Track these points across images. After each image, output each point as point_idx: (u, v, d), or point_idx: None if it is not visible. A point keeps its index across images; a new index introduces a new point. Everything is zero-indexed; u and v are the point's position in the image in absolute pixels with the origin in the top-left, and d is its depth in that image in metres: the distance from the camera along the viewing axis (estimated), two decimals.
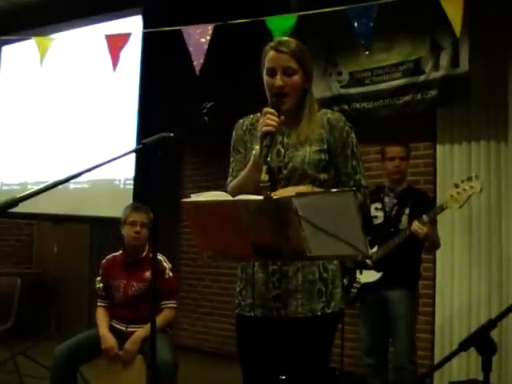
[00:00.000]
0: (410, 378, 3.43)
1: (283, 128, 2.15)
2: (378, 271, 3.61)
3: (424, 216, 3.41)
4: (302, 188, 2.03)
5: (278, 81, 2.09)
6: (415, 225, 3.39)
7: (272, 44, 2.14)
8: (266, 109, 2.04)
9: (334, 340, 2.20)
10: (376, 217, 3.71)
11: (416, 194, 3.71)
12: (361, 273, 3.69)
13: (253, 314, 2.13)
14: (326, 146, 2.13)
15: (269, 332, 2.10)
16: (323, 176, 2.13)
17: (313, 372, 2.07)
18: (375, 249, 3.63)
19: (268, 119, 2.00)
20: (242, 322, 2.19)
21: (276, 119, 2.00)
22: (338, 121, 2.15)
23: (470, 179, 3.39)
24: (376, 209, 3.71)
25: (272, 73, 2.11)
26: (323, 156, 2.12)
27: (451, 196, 3.38)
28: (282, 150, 2.15)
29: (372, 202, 3.75)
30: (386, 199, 3.72)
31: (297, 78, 2.11)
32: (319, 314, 2.07)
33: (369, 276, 3.64)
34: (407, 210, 3.60)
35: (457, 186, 3.40)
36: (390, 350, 3.70)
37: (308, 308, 2.07)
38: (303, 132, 2.13)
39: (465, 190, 3.35)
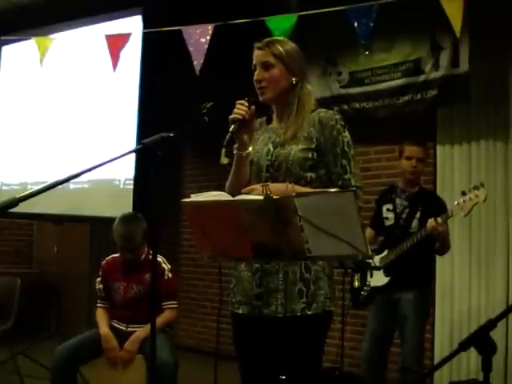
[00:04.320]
0: (414, 380, 3.39)
1: (278, 128, 2.21)
2: (386, 275, 3.57)
3: (438, 218, 3.32)
4: (280, 185, 1.97)
5: (255, 75, 2.18)
6: (432, 222, 3.31)
7: (256, 43, 2.23)
8: (237, 100, 2.11)
9: (321, 342, 2.15)
10: (387, 218, 3.66)
11: (428, 198, 3.65)
12: (371, 276, 3.67)
13: (240, 312, 2.18)
14: (314, 145, 2.12)
15: (253, 330, 2.14)
16: (309, 175, 2.12)
17: (294, 373, 1.98)
18: (385, 253, 3.60)
19: (236, 108, 2.08)
20: (232, 318, 2.24)
21: (245, 108, 2.07)
22: (330, 119, 2.14)
23: (476, 188, 3.32)
24: (388, 210, 3.67)
25: (255, 69, 2.20)
26: (310, 154, 2.12)
27: (457, 204, 3.33)
28: (271, 149, 2.18)
29: (384, 202, 3.72)
30: (398, 201, 3.66)
31: (275, 71, 2.16)
32: (299, 314, 2.06)
33: (378, 280, 3.62)
34: (418, 214, 3.54)
35: (464, 194, 3.33)
36: (395, 350, 3.71)
37: (288, 308, 2.05)
38: (290, 128, 2.16)
39: (470, 198, 3.29)
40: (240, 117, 2.06)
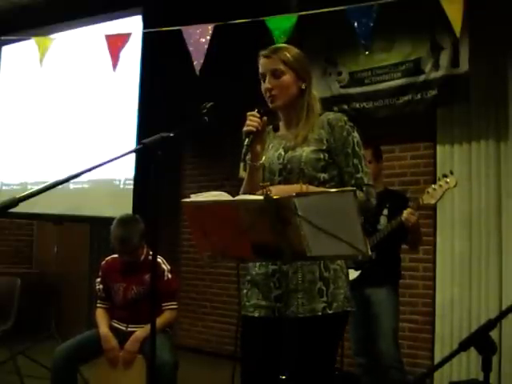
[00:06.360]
0: (398, 377, 3.41)
1: (288, 134, 2.23)
2: (356, 269, 3.58)
3: (411, 204, 3.40)
4: (295, 186, 2.04)
5: (266, 84, 2.18)
6: (406, 212, 3.37)
7: (262, 52, 2.22)
8: (249, 112, 2.11)
9: (337, 342, 2.16)
10: None
11: (393, 196, 3.70)
12: None
13: (256, 315, 2.14)
14: (325, 146, 2.15)
15: (272, 332, 2.11)
16: (322, 176, 2.14)
17: (313, 373, 2.03)
18: None
19: (249, 120, 2.08)
20: (246, 322, 2.20)
21: (257, 120, 2.08)
22: (338, 120, 2.17)
23: (445, 176, 3.41)
24: None
25: (263, 78, 2.20)
26: (322, 155, 2.14)
27: (427, 192, 3.39)
28: (282, 153, 2.20)
29: None
30: None
31: (286, 78, 2.17)
32: (320, 314, 2.06)
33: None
34: (385, 211, 3.58)
35: (434, 183, 3.42)
36: None
37: (308, 308, 2.06)
38: (301, 133, 2.17)
39: (440, 186, 3.37)
40: (254, 129, 2.07)
